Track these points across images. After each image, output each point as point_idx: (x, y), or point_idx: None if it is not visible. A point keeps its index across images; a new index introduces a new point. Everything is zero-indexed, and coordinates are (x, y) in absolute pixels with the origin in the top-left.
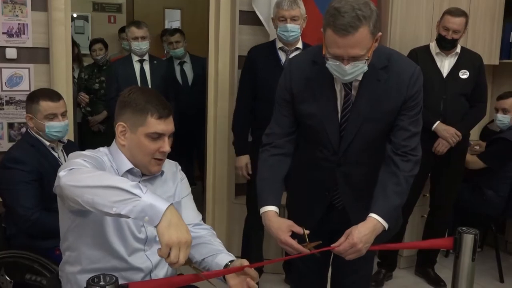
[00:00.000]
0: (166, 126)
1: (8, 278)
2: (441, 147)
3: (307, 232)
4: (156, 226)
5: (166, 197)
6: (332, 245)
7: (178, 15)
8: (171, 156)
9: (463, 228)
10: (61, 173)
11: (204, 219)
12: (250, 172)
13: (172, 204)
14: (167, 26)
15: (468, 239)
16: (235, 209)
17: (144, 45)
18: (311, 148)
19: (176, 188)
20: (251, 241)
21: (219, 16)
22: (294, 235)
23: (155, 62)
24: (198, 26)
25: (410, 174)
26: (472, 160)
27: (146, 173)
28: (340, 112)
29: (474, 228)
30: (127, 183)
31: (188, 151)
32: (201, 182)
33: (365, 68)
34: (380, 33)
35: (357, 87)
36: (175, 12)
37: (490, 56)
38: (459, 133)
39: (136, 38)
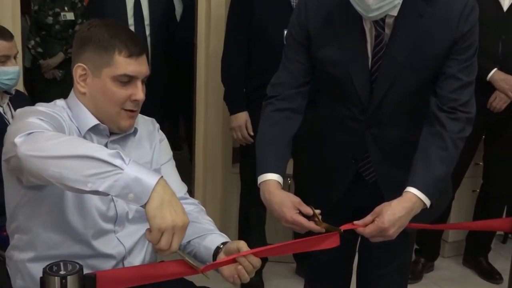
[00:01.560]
0: (139, 66)
1: None
2: (498, 102)
3: (317, 211)
4: (144, 206)
5: (141, 163)
6: (355, 222)
7: None
8: (149, 113)
9: None
10: (18, 139)
11: (191, 193)
12: (252, 133)
13: (162, 177)
14: None
15: None
16: (232, 181)
17: None
18: (333, 104)
19: (153, 152)
20: (250, 222)
21: None
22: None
23: None
24: None
25: (460, 136)
26: None
27: (114, 130)
28: (370, 57)
29: None
30: (105, 151)
31: (171, 106)
32: (188, 146)
33: (396, 0)
34: None
35: (392, 25)
36: None
37: None
38: None
39: None
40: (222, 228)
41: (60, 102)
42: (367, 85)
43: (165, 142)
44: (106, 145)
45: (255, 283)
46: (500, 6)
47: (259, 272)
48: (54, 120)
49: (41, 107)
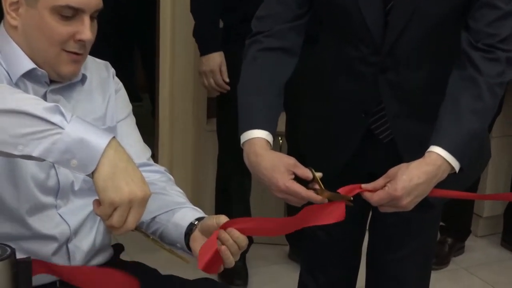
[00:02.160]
0: None
1: None
2: None
3: (318, 175)
4: (92, 175)
5: (91, 119)
6: (363, 186)
7: None
8: (99, 53)
9: None
10: None
11: (154, 158)
12: (227, 80)
13: (114, 137)
14: None
15: None
16: (206, 141)
17: None
18: (337, 43)
19: (107, 105)
20: (230, 194)
21: None
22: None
23: None
24: None
25: (499, 80)
26: None
27: (54, 77)
28: None
29: None
30: (40, 105)
31: (127, 44)
32: (149, 96)
33: None
34: None
35: None
36: None
37: None
38: None
39: None
40: (194, 203)
41: None
42: (380, 17)
43: (123, 92)
44: (44, 96)
45: (238, 269)
46: None
47: (242, 257)
48: None
49: None
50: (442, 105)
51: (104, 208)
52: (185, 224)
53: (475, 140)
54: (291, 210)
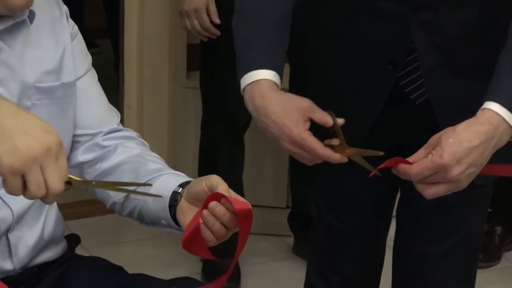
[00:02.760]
0: None
1: None
2: None
3: (340, 121)
4: None
5: (41, 72)
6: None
7: None
8: None
9: None
10: None
11: (123, 121)
12: (218, 21)
13: None
14: None
15: None
16: (186, 100)
17: None
18: None
19: (63, 54)
20: (218, 165)
21: None
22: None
23: None
24: None
25: None
26: None
27: (1, 11)
28: None
29: None
30: None
31: None
32: (111, 41)
33: None
34: None
35: None
36: None
37: None
38: None
39: None
40: None
41: None
42: None
43: (80, 38)
44: None
45: (227, 267)
46: None
47: (232, 251)
48: None
49: None
50: (501, 54)
51: (8, 181)
52: (167, 193)
53: None
54: (296, 196)
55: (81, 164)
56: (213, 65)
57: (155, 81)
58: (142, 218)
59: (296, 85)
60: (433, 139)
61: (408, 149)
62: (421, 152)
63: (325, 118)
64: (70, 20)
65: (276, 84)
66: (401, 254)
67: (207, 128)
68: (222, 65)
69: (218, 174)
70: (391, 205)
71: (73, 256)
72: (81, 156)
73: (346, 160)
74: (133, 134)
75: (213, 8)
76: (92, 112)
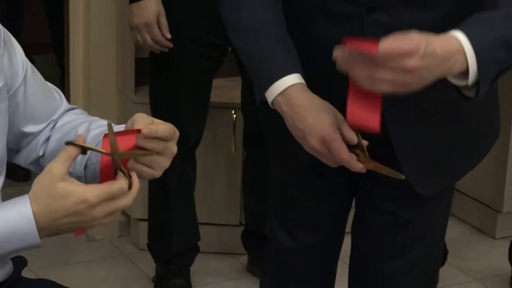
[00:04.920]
0: None
1: None
2: None
3: (365, 143)
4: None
5: None
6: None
7: None
8: None
9: None
10: None
11: None
12: (169, 35)
13: (27, 195)
14: None
15: None
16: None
17: None
18: None
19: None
20: (169, 185)
21: None
22: None
23: None
24: None
25: None
26: None
27: None
28: None
29: None
30: None
31: None
32: (56, 56)
33: None
34: None
35: None
36: None
37: None
38: None
39: None
40: None
41: None
42: None
43: (10, 36)
44: None
45: (180, 286)
46: None
47: (184, 270)
48: None
49: None
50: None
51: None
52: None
53: (503, 50)
54: (249, 213)
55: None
56: (163, 78)
57: (103, 96)
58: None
59: (249, 96)
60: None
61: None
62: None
63: (351, 135)
64: None
65: (305, 85)
66: (357, 272)
67: None
68: (172, 78)
69: (169, 192)
70: (344, 222)
71: (19, 279)
72: (41, 151)
73: (365, 170)
74: (72, 106)
75: (164, 22)
76: (38, 107)
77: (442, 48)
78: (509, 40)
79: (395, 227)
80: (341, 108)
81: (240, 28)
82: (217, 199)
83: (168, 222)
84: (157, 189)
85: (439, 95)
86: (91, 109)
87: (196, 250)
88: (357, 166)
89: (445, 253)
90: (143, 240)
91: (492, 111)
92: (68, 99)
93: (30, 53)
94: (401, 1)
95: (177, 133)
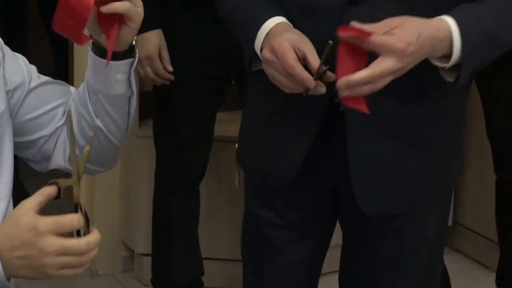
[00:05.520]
0: None
1: None
2: None
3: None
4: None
5: None
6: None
7: None
8: None
9: None
10: None
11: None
12: (170, 68)
13: None
14: None
15: None
16: (140, 150)
17: None
18: None
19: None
20: (172, 219)
21: None
22: None
23: None
24: None
25: None
26: None
27: None
28: None
29: None
30: None
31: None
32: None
33: None
34: None
35: None
36: None
37: None
38: None
39: None
40: (124, 230)
41: None
42: None
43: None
44: None
45: None
46: None
47: None
48: None
49: None
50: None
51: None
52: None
53: (490, 43)
54: (247, 250)
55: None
56: (166, 111)
57: None
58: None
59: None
60: (392, 19)
61: (341, 194)
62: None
63: (314, 60)
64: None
65: (290, 24)
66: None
67: (161, 178)
68: (176, 111)
69: (172, 226)
70: (321, 258)
71: None
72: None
73: (323, 90)
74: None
75: (165, 55)
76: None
77: (432, 38)
78: (495, 34)
79: (377, 274)
80: (328, 103)
81: (229, 8)
82: (221, 233)
83: (172, 256)
84: (160, 223)
85: (406, 117)
86: None
87: (200, 285)
88: (313, 84)
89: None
90: (147, 275)
91: (458, 145)
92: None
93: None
94: None
95: None
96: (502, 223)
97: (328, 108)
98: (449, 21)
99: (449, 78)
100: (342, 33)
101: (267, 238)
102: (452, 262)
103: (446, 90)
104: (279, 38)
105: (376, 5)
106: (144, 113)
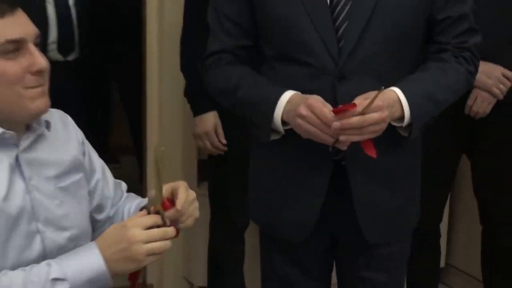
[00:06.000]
0: (21, 25)
1: None
2: (480, 104)
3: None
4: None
5: (66, 170)
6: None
7: None
8: (71, 107)
9: None
10: None
11: None
12: (224, 142)
13: (95, 241)
14: None
15: None
16: (200, 205)
17: None
18: (292, 64)
19: (82, 145)
20: (221, 266)
21: None
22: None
23: None
24: None
25: (466, 69)
26: None
27: (25, 120)
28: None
29: None
30: (43, 276)
31: (105, 99)
32: (136, 158)
33: None
34: None
35: None
36: None
37: None
38: (510, 74)
39: None
40: (186, 270)
41: None
42: (330, 22)
43: (87, 142)
44: (17, 159)
45: None
46: None
47: None
48: None
49: None
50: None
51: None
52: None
53: (431, 103)
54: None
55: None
56: (221, 174)
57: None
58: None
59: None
60: (369, 93)
61: (339, 241)
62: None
63: (323, 108)
64: (75, 126)
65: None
66: None
67: (213, 229)
68: (225, 176)
69: (223, 268)
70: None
71: None
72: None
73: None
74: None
75: (220, 131)
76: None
77: (388, 100)
78: (436, 98)
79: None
80: (333, 166)
81: (225, 90)
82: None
83: None
84: (213, 265)
85: (389, 166)
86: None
87: None
88: (331, 120)
89: None
90: None
91: (419, 190)
92: (144, 192)
93: (116, 155)
94: (364, 73)
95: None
96: (485, 268)
97: (333, 170)
98: (396, 89)
99: (404, 134)
100: (336, 114)
101: (282, 277)
102: None
103: (407, 144)
104: (311, 98)
105: (358, 81)
106: (201, 176)
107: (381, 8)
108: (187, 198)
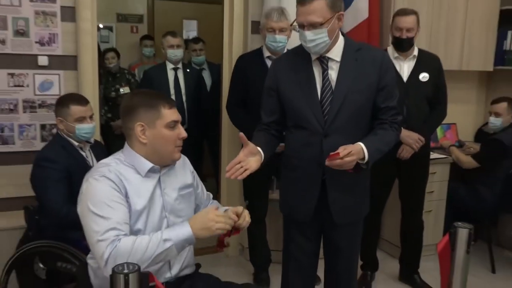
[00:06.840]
0: (177, 114)
1: (41, 266)
2: (405, 153)
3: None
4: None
5: (184, 185)
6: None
7: (195, 25)
8: (187, 155)
9: (459, 223)
10: (105, 256)
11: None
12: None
13: (187, 221)
14: (184, 35)
15: (463, 234)
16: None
17: (179, 53)
18: (298, 130)
19: (192, 173)
20: (254, 235)
21: (233, 26)
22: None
23: (188, 70)
24: (213, 36)
25: (395, 133)
26: (467, 160)
27: (167, 162)
28: (320, 90)
29: (469, 223)
30: (160, 247)
31: (198, 146)
32: (215, 179)
33: (326, 39)
34: (342, 13)
35: (337, 68)
36: (192, 23)
37: (486, 63)
38: (422, 138)
39: (171, 46)
40: (239, 238)
41: (110, 160)
42: (320, 113)
43: (194, 171)
44: (159, 179)
45: (264, 278)
46: (401, 78)
47: (265, 268)
48: (118, 184)
49: (101, 189)
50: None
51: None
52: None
53: (379, 152)
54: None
55: None
56: (247, 185)
57: (234, 199)
58: None
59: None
60: (347, 146)
61: (327, 233)
62: (346, 150)
63: (253, 148)
64: (189, 163)
65: (260, 153)
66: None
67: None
68: (250, 185)
69: (255, 241)
70: (317, 249)
71: (197, 273)
72: None
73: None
74: (212, 202)
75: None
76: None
77: (356, 149)
78: (381, 148)
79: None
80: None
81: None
82: (276, 235)
83: (258, 253)
84: (249, 238)
85: (351, 180)
86: (230, 204)
87: (269, 260)
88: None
89: None
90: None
91: (368, 193)
92: (219, 198)
93: (205, 177)
94: (338, 133)
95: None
96: (403, 240)
97: (321, 184)
98: (361, 144)
99: (363, 166)
100: (327, 162)
101: (295, 242)
102: None
103: (363, 171)
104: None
105: (335, 138)
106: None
107: (347, 100)
108: (243, 214)
